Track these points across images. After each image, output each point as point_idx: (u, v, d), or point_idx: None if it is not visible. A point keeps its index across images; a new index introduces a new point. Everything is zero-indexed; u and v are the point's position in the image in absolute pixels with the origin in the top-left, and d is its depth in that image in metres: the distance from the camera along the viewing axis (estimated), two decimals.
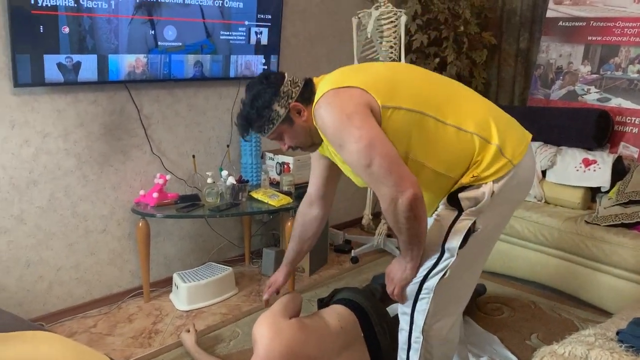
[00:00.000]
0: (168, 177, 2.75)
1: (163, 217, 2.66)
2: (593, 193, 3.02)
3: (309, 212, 1.99)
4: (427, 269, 1.61)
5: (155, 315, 2.69)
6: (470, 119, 1.56)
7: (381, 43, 3.15)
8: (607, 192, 2.93)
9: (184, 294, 2.74)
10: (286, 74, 1.67)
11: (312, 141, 1.68)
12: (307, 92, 1.62)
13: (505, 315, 2.71)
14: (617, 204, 2.78)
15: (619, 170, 2.96)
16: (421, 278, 1.62)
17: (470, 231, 1.55)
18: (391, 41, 3.13)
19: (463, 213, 1.56)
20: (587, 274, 2.73)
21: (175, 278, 2.82)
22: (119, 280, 2.83)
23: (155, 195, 2.68)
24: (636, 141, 3.10)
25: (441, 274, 1.59)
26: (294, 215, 2.79)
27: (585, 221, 2.78)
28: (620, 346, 1.55)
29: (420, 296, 1.63)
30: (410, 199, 1.42)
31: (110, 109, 2.63)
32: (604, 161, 2.97)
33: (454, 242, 1.56)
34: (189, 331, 2.36)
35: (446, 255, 1.58)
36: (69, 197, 2.57)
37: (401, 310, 1.71)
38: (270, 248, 3.22)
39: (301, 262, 3.16)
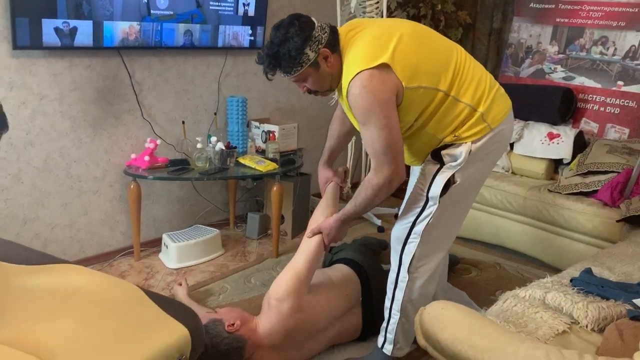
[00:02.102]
0: (158, 142, 2.87)
1: (154, 179, 2.78)
2: (556, 164, 3.26)
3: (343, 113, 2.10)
4: (415, 215, 1.86)
5: (147, 272, 2.83)
6: (468, 91, 1.76)
7: (364, 16, 3.29)
8: (569, 163, 3.17)
9: (174, 253, 2.89)
10: (315, 20, 1.74)
11: (330, 87, 1.83)
12: (334, 40, 1.73)
13: (473, 275, 2.94)
14: (577, 174, 3.02)
15: (580, 144, 3.20)
16: (410, 223, 1.87)
17: (450, 182, 1.78)
18: (373, 17, 3.28)
19: (444, 166, 1.79)
20: (548, 237, 2.98)
21: (165, 238, 2.96)
22: (110, 239, 2.95)
23: (146, 158, 2.80)
24: (596, 117, 3.34)
25: (427, 219, 1.83)
26: (279, 180, 2.95)
27: (548, 190, 3.02)
28: (573, 289, 1.78)
29: (409, 240, 1.88)
30: (398, 184, 1.73)
31: (104, 74, 2.73)
32: (566, 135, 3.21)
33: (436, 190, 1.79)
34: (180, 284, 2.52)
35: (430, 202, 1.82)
36: (64, 159, 2.67)
37: (393, 254, 1.95)
38: (254, 212, 3.38)
39: (284, 226, 3.34)
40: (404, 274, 1.91)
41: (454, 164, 1.77)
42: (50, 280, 1.22)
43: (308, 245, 1.98)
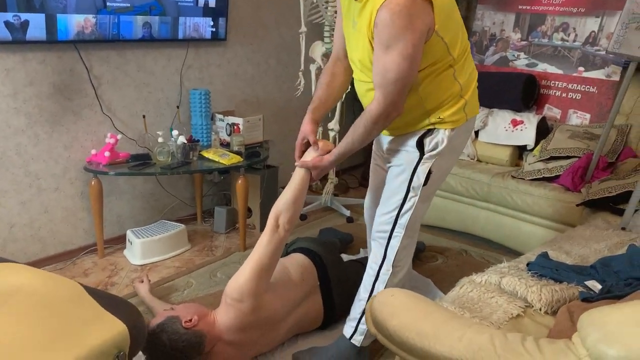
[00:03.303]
0: (119, 136, 2.82)
1: (115, 175, 2.74)
2: (520, 151, 3.30)
3: (335, 65, 1.99)
4: (397, 208, 1.88)
5: (111, 269, 2.79)
6: (465, 72, 1.78)
7: (327, 8, 3.27)
8: (532, 150, 3.20)
9: (138, 249, 2.85)
10: None
11: None
12: None
13: (439, 262, 2.96)
14: (540, 160, 3.06)
15: (543, 130, 3.24)
16: (394, 217, 1.89)
17: (429, 173, 1.83)
18: (336, 6, 3.26)
19: (424, 157, 1.82)
20: (512, 223, 3.01)
21: (129, 234, 2.92)
22: (73, 237, 2.90)
23: (107, 154, 2.75)
24: (559, 103, 3.38)
25: (410, 212, 1.87)
26: (244, 174, 2.93)
27: (512, 176, 3.05)
28: (528, 273, 1.80)
29: (394, 234, 1.90)
30: (393, 118, 1.70)
31: (60, 68, 2.66)
32: (530, 122, 3.24)
33: (418, 181, 1.83)
34: (142, 281, 2.48)
35: (411, 194, 1.85)
36: (21, 156, 2.61)
37: (375, 247, 1.96)
38: (221, 206, 3.35)
39: (252, 219, 3.32)
40: (387, 267, 1.92)
41: (433, 152, 1.81)
42: None
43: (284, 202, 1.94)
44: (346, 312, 2.36)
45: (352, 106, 4.42)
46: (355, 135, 1.79)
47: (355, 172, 4.58)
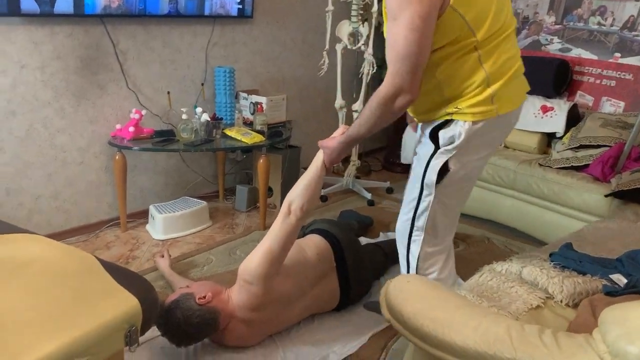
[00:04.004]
0: (143, 112, 2.83)
1: (139, 150, 2.76)
2: (549, 138, 3.21)
3: None
4: (413, 208, 1.74)
5: (132, 243, 2.83)
6: (496, 58, 1.55)
7: None
8: (561, 137, 3.11)
9: (160, 224, 2.88)
10: None
11: None
12: None
13: (460, 248, 2.93)
14: (569, 149, 2.97)
15: (574, 118, 3.14)
16: (411, 218, 1.75)
17: (445, 169, 1.64)
18: None
19: (438, 151, 1.64)
20: (537, 212, 2.95)
21: (152, 209, 2.95)
22: (96, 210, 2.94)
23: (131, 129, 2.77)
24: (592, 90, 3.27)
25: (427, 212, 1.71)
26: (266, 153, 2.92)
27: (539, 164, 2.97)
28: (550, 264, 1.76)
29: (412, 237, 1.77)
30: (407, 102, 1.52)
31: (87, 42, 2.68)
32: (560, 108, 3.14)
33: (431, 177, 1.66)
34: (163, 256, 2.51)
35: (425, 192, 1.70)
36: (47, 129, 2.64)
37: (399, 250, 1.86)
38: (243, 185, 3.35)
39: (273, 199, 3.33)
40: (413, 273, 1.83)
41: (449, 147, 1.62)
42: (4, 249, 1.21)
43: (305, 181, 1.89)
44: (362, 293, 2.36)
45: (376, 87, 4.36)
46: (362, 118, 1.64)
47: (378, 155, 4.54)
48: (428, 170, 1.67)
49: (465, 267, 2.65)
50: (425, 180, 1.69)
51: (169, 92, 3.01)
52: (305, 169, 1.98)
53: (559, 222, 2.84)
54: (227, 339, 1.95)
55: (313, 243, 2.21)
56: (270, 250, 1.85)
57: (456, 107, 1.59)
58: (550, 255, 1.84)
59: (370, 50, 3.24)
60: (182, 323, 1.79)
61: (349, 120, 3.69)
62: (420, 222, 1.74)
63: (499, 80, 1.57)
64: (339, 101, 3.49)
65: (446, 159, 1.64)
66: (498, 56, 1.55)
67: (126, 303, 1.12)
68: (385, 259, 2.52)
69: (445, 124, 1.63)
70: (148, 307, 1.16)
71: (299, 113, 3.86)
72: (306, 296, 2.08)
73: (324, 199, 3.53)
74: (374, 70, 3.31)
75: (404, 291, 1.30)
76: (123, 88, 2.87)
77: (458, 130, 1.60)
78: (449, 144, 1.63)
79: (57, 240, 2.73)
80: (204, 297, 1.84)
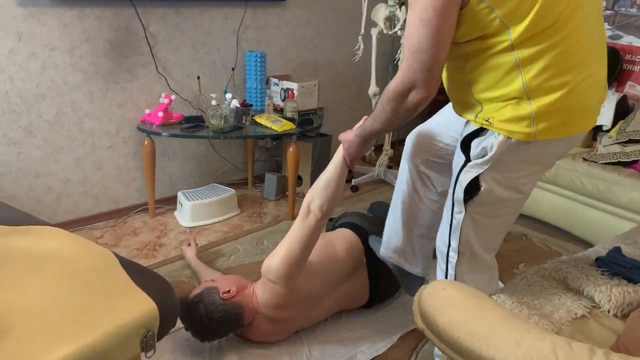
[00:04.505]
0: (173, 97, 2.78)
1: (168, 136, 2.71)
2: (594, 131, 3.03)
3: None
4: (448, 225, 1.54)
5: (160, 230, 2.80)
6: (539, 66, 1.24)
7: None
8: (609, 130, 2.93)
9: (188, 212, 2.84)
10: None
11: None
12: None
13: None
14: (616, 143, 2.80)
15: (623, 110, 2.95)
16: (447, 235, 1.55)
17: (475, 187, 1.41)
18: None
19: (468, 164, 1.41)
20: (581, 210, 2.79)
21: (180, 196, 2.91)
22: (125, 196, 2.92)
23: (160, 114, 2.72)
24: None
25: (458, 232, 1.50)
26: (296, 141, 2.83)
27: (583, 158, 2.81)
28: (597, 270, 1.63)
29: (449, 259, 1.58)
30: (422, 99, 1.32)
31: (116, 25, 2.63)
32: (608, 100, 2.96)
33: (459, 193, 1.45)
34: (189, 245, 2.47)
35: (456, 208, 1.49)
36: (76, 113, 2.62)
37: (438, 267, 1.66)
38: (272, 173, 3.29)
39: (302, 188, 3.25)
40: None
41: (479, 160, 1.37)
42: (24, 242, 1.16)
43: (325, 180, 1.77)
44: (393, 290, 2.27)
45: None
46: (375, 112, 1.47)
47: None
48: (457, 185, 1.46)
49: (501, 265, 2.51)
50: (454, 196, 1.48)
51: (198, 77, 2.95)
52: None
53: (604, 221, 2.68)
54: (252, 335, 1.90)
55: (343, 237, 2.12)
56: (290, 252, 1.76)
57: (486, 119, 1.34)
58: (597, 260, 1.72)
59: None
60: (205, 318, 1.74)
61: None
62: (454, 242, 1.53)
63: (547, 95, 1.25)
64: (372, 88, 3.37)
65: (476, 175, 1.39)
66: (549, 63, 1.23)
67: (143, 306, 1.05)
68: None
69: (481, 131, 1.38)
70: (166, 310, 1.10)
71: (331, 100, 3.76)
72: (334, 293, 2.00)
73: (354, 189, 3.43)
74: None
75: (439, 299, 1.20)
76: (152, 72, 2.82)
77: (490, 142, 1.34)
78: (481, 157, 1.38)
79: (86, 226, 2.76)
80: (228, 291, 1.78)
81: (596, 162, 2.75)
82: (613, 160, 2.72)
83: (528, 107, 1.27)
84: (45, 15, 2.40)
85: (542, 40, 1.23)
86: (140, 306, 1.05)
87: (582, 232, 2.79)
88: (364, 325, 2.08)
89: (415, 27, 1.24)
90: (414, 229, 1.91)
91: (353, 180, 3.49)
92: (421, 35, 1.23)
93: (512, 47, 1.24)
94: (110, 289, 1.09)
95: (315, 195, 1.76)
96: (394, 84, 1.34)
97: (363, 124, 1.61)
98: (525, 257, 2.67)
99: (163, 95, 2.76)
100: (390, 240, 1.95)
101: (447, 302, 1.20)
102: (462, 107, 1.45)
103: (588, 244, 2.77)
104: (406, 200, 1.86)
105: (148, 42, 2.75)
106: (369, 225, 2.19)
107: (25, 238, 1.19)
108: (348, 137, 1.70)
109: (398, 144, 4.22)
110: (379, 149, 3.99)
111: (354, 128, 1.71)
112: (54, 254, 1.15)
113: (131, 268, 1.19)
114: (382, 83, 3.83)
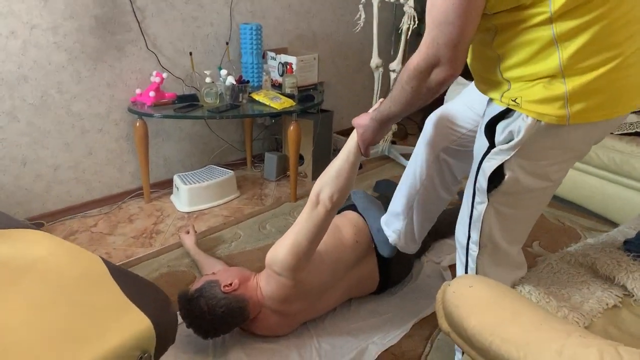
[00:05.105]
0: (165, 75, 2.62)
1: (160, 117, 2.56)
2: None
3: None
4: (468, 215, 1.40)
5: (157, 216, 2.68)
6: (579, 41, 1.09)
7: None
8: None
9: (185, 196, 2.71)
10: None
11: None
12: None
13: None
14: (634, 112, 2.66)
15: None
16: (467, 227, 1.42)
17: (499, 175, 1.27)
18: None
19: (492, 150, 1.27)
20: (595, 183, 2.67)
21: (176, 180, 2.78)
22: (118, 180, 2.79)
23: (152, 94, 2.57)
24: None
25: (479, 224, 1.37)
26: (296, 119, 2.69)
27: None
28: (628, 255, 1.52)
29: (469, 251, 1.44)
30: (446, 78, 1.18)
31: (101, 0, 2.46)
32: None
33: (482, 182, 1.31)
34: (188, 232, 2.35)
35: (477, 198, 1.35)
36: (62, 95, 2.46)
37: (457, 259, 1.54)
38: (272, 152, 3.15)
39: (303, 167, 3.12)
40: None
41: (505, 146, 1.23)
42: (6, 248, 1.03)
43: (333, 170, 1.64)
44: (403, 275, 2.16)
45: (416, 44, 4.05)
46: (394, 93, 1.32)
47: (414, 117, 4.26)
48: (479, 173, 1.32)
49: None
50: (476, 184, 1.35)
51: (191, 53, 2.79)
52: (339, 134, 1.74)
53: (621, 195, 2.56)
54: (258, 329, 1.79)
55: (349, 221, 2.00)
56: (297, 243, 1.64)
57: (513, 99, 1.20)
58: (625, 242, 1.60)
59: (410, 2, 2.93)
60: (207, 313, 1.63)
61: (385, 81, 3.43)
62: (474, 234, 1.40)
63: (585, 73, 1.11)
64: (375, 60, 3.21)
65: (501, 162, 1.25)
66: (592, 37, 1.08)
67: (137, 325, 0.93)
68: (429, 236, 2.31)
69: (507, 113, 1.23)
70: (163, 328, 0.97)
71: (332, 73, 3.60)
72: (343, 281, 1.89)
73: (359, 166, 3.30)
74: (415, 25, 3.01)
75: (467, 299, 1.09)
76: (142, 49, 2.66)
77: (517, 124, 1.20)
78: (507, 142, 1.24)
79: (79, 213, 2.63)
80: (230, 284, 1.67)
81: (612, 133, 2.61)
82: (630, 131, 2.58)
83: (562, 87, 1.13)
84: None
85: (587, 12, 1.08)
86: (133, 325, 0.92)
87: (597, 206, 2.68)
88: (374, 313, 1.98)
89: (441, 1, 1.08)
90: (420, 215, 1.81)
91: None
92: (449, 5, 1.08)
93: (550, 20, 1.09)
94: (99, 305, 0.96)
95: (326, 183, 1.62)
96: (415, 60, 1.19)
97: (379, 107, 1.45)
98: (539, 234, 2.56)
99: (154, 73, 2.60)
100: (392, 221, 1.87)
101: (475, 302, 1.08)
102: (487, 85, 1.30)
103: (602, 218, 2.67)
104: (418, 187, 1.74)
105: (136, 17, 2.58)
106: (376, 210, 2.07)
107: (6, 244, 1.06)
108: (363, 121, 1.55)
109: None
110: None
111: (369, 111, 1.56)
112: (36, 263, 1.02)
113: (123, 278, 1.06)
114: (385, 54, 3.66)
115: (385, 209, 1.98)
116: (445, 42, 1.12)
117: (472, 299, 1.09)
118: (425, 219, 1.83)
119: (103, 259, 1.14)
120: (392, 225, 1.88)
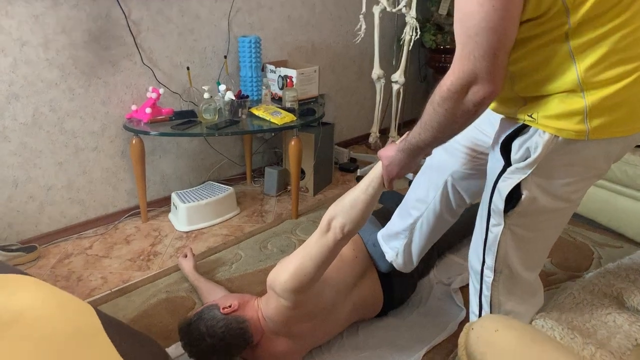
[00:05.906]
0: (161, 90, 2.54)
1: (157, 135, 2.47)
2: None
3: None
4: (483, 238, 1.34)
5: (154, 236, 2.58)
6: (598, 54, 1.04)
7: None
8: None
9: (184, 215, 2.62)
10: None
11: None
12: None
13: None
14: None
15: None
16: (482, 251, 1.34)
17: (516, 195, 1.21)
18: None
19: (508, 168, 1.21)
20: (607, 197, 2.59)
21: (174, 198, 2.69)
22: (114, 199, 2.70)
23: (148, 110, 2.48)
24: None
25: (495, 248, 1.30)
26: (297, 134, 2.60)
27: None
28: None
29: (484, 277, 1.38)
30: (486, 96, 1.05)
31: (95, 13, 2.37)
32: None
33: (498, 203, 1.25)
34: (186, 256, 2.26)
35: (492, 220, 1.29)
36: (55, 112, 2.37)
37: (470, 286, 1.47)
38: (272, 167, 3.06)
39: (305, 182, 3.04)
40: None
41: (521, 164, 1.18)
42: None
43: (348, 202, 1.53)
44: (408, 292, 2.07)
45: (418, 54, 3.99)
46: (424, 118, 1.18)
47: None
48: (495, 194, 1.26)
49: None
50: (491, 206, 1.28)
51: (188, 68, 2.70)
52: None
53: (633, 208, 2.48)
54: (262, 357, 1.70)
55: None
56: (302, 268, 1.54)
57: (529, 115, 1.15)
58: None
59: (412, 12, 2.86)
60: (207, 335, 1.55)
61: (386, 93, 3.35)
62: (489, 259, 1.33)
63: (606, 87, 1.05)
64: (376, 71, 3.13)
65: (518, 181, 1.19)
66: (610, 49, 1.03)
67: None
68: (432, 250, 2.22)
69: (522, 129, 1.17)
70: None
71: (332, 85, 3.52)
72: (347, 302, 1.80)
73: (360, 179, 3.21)
74: (417, 36, 2.94)
75: (491, 346, 1.00)
76: (137, 64, 2.57)
77: (534, 141, 1.14)
78: (523, 160, 1.18)
79: (74, 235, 2.54)
80: (229, 306, 1.62)
81: None
82: None
83: (581, 101, 1.07)
84: (13, 6, 2.14)
85: (604, 22, 1.02)
86: None
87: (609, 221, 2.60)
88: (383, 340, 1.88)
89: (478, 3, 0.98)
90: (421, 237, 1.76)
91: (358, 170, 3.28)
92: (487, 12, 0.98)
93: (567, 33, 1.03)
94: None
95: (339, 212, 1.52)
96: (449, 80, 1.07)
97: (407, 137, 1.33)
98: (550, 250, 2.47)
99: (150, 88, 2.52)
100: (390, 238, 1.83)
101: (500, 349, 1.00)
102: (500, 102, 1.23)
103: (615, 233, 2.59)
104: (422, 210, 1.68)
105: (131, 31, 2.49)
106: (371, 224, 1.99)
107: None
108: (389, 152, 1.44)
109: (404, 126, 4.00)
110: (384, 134, 3.78)
111: (397, 142, 1.45)
112: (21, 314, 0.93)
113: (117, 332, 0.97)
114: (386, 65, 3.59)
115: (386, 219, 1.91)
116: (483, 54, 1.01)
117: (499, 345, 1.01)
118: (426, 241, 1.77)
119: (96, 309, 1.04)
120: (391, 242, 1.83)
